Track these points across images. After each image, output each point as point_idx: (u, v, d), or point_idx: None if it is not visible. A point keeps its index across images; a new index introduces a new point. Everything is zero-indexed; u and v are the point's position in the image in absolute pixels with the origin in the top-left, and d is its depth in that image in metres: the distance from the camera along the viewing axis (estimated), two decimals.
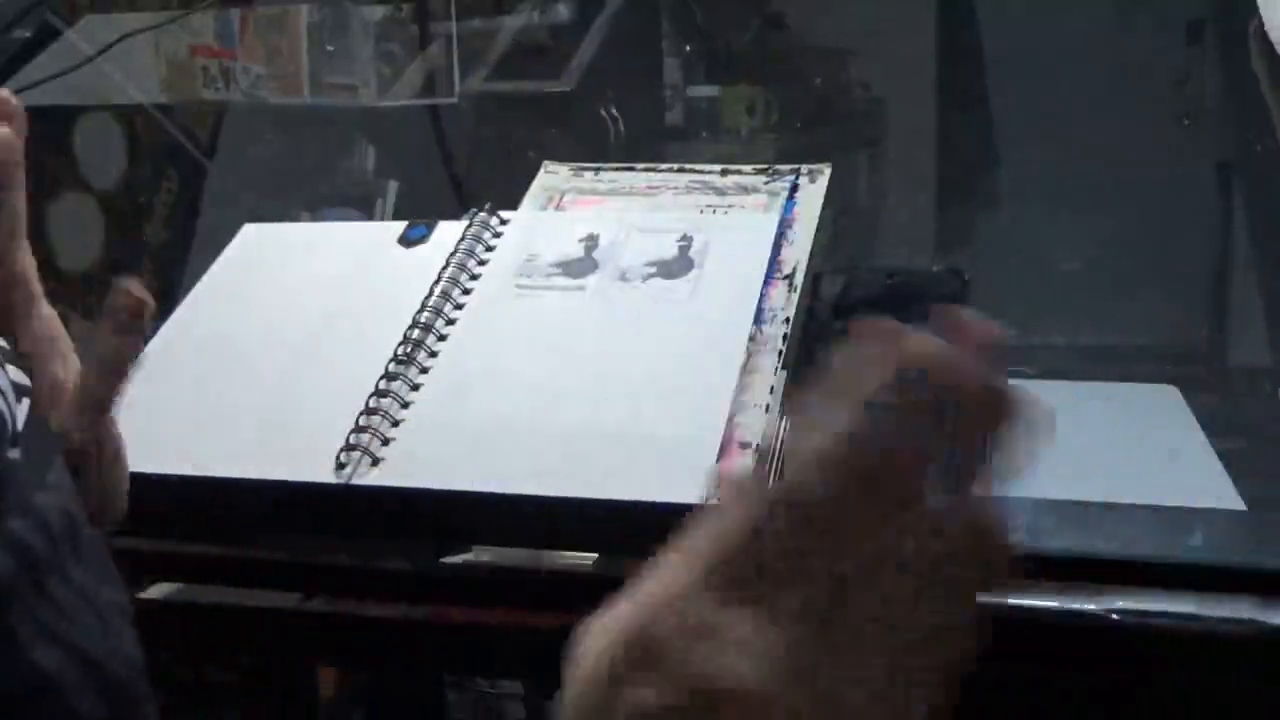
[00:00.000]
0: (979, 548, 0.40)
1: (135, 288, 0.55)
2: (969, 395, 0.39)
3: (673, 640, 0.37)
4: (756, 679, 0.36)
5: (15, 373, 0.44)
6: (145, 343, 0.56)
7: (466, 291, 0.77)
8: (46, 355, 0.57)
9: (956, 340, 0.40)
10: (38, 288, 0.57)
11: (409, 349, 0.73)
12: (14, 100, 0.57)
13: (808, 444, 0.39)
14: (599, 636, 0.39)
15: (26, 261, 0.57)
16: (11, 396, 0.42)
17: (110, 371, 0.55)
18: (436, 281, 0.77)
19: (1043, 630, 0.58)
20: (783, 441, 0.62)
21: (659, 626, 0.38)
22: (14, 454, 0.41)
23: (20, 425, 0.42)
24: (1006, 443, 0.40)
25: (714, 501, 0.43)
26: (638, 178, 0.85)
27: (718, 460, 0.64)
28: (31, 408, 0.44)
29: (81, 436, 0.55)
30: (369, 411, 0.69)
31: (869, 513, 0.39)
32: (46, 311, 0.58)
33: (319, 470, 0.67)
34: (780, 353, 0.69)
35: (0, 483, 0.39)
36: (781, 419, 0.64)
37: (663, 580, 0.39)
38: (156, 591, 0.70)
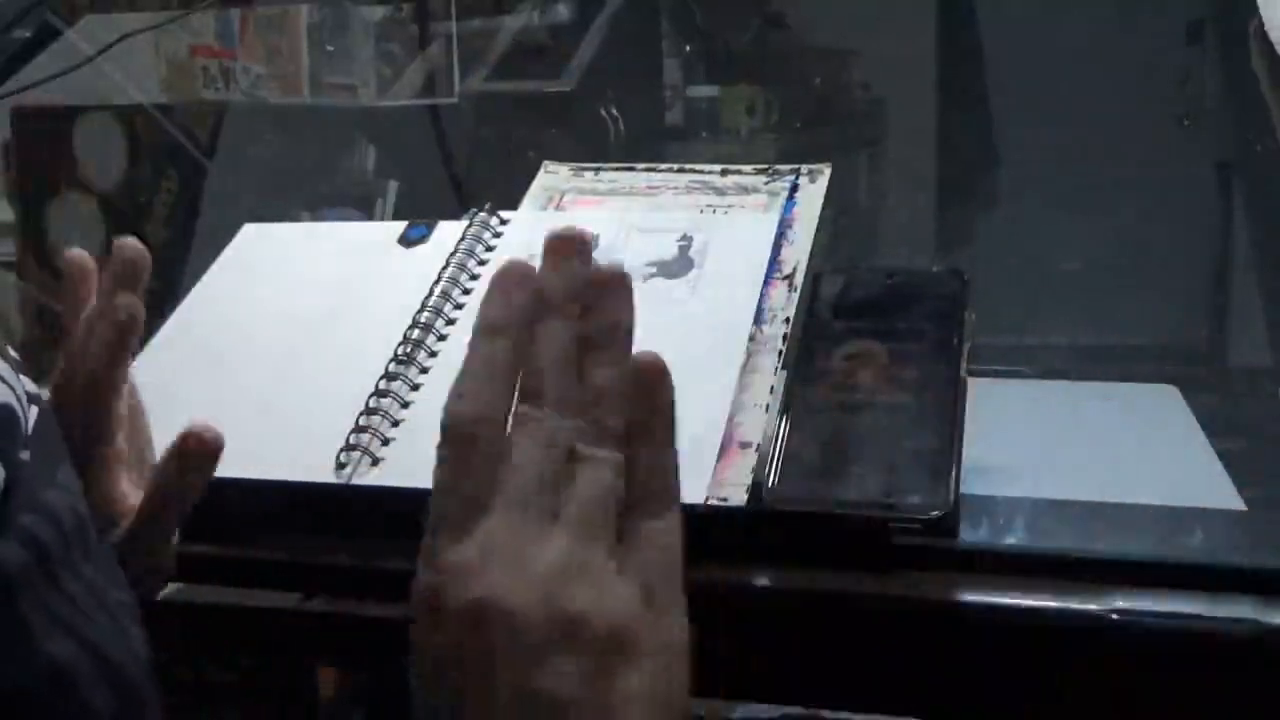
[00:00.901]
0: None
1: (208, 430, 0.58)
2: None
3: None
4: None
5: (27, 382, 0.45)
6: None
7: (466, 291, 0.77)
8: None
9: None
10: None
11: (409, 349, 0.73)
12: (147, 259, 0.63)
13: None
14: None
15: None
16: (25, 401, 0.43)
17: (175, 506, 0.59)
18: (436, 281, 0.77)
19: (1043, 630, 0.58)
20: (782, 442, 0.62)
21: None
22: (24, 455, 0.42)
23: (30, 429, 0.43)
24: None
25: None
26: (638, 178, 0.85)
27: (718, 460, 0.64)
28: (41, 412, 0.45)
29: (136, 558, 0.58)
30: (369, 411, 0.69)
31: None
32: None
33: (319, 470, 0.67)
34: (780, 353, 0.69)
35: (13, 481, 0.40)
36: (781, 419, 0.64)
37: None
38: None
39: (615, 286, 0.51)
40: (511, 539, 0.46)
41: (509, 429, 0.48)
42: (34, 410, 0.44)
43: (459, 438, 0.47)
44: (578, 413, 0.48)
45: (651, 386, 0.49)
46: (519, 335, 0.49)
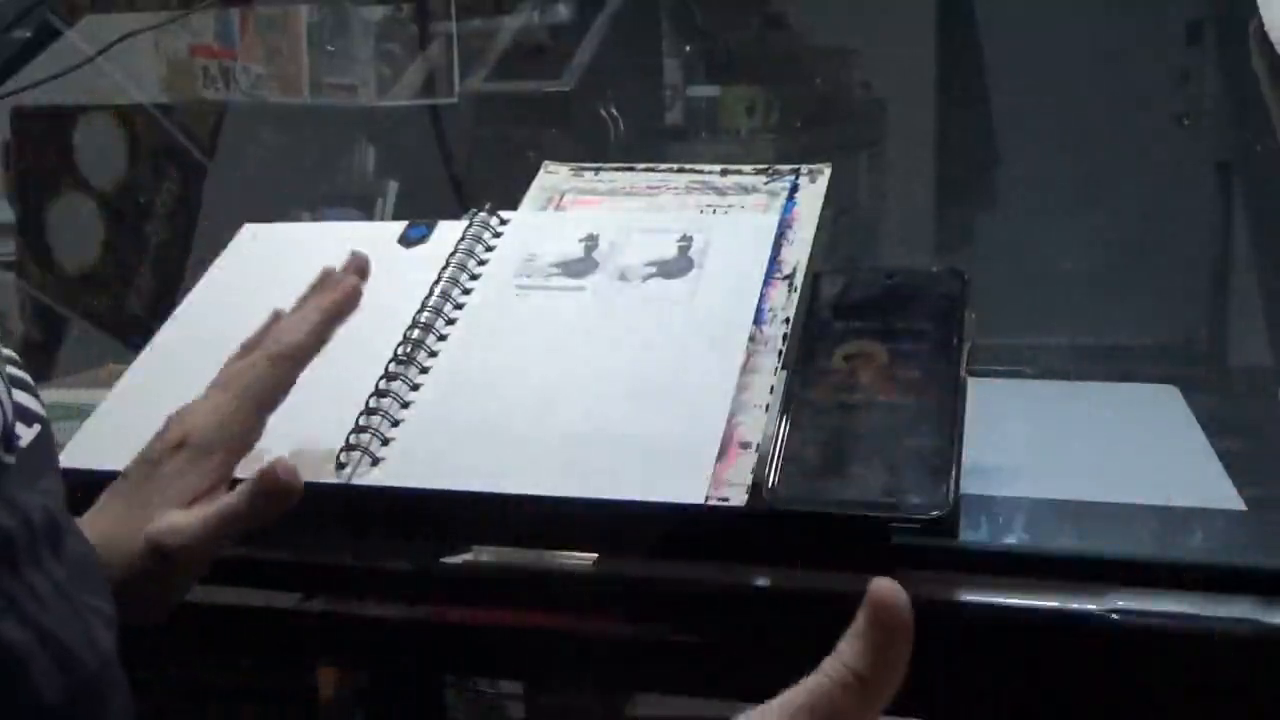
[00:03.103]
0: None
1: (287, 469, 0.57)
2: None
3: None
4: None
5: (24, 396, 0.47)
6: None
7: (466, 291, 0.77)
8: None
9: None
10: None
11: (409, 349, 0.73)
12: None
13: None
14: None
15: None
16: (11, 412, 0.44)
17: (241, 524, 0.58)
18: (436, 281, 0.77)
19: (1043, 630, 0.58)
20: (782, 442, 0.62)
21: None
22: (9, 460, 0.42)
23: (17, 435, 0.44)
24: None
25: None
26: (638, 178, 0.85)
27: (717, 460, 0.64)
28: (40, 432, 0.46)
29: (184, 545, 0.58)
30: (369, 411, 0.69)
31: None
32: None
33: (319, 470, 0.67)
34: (780, 353, 0.69)
35: None
36: (781, 419, 0.64)
37: None
38: None
39: None
40: None
41: None
42: (35, 428, 0.46)
43: None
44: None
45: None
46: None
